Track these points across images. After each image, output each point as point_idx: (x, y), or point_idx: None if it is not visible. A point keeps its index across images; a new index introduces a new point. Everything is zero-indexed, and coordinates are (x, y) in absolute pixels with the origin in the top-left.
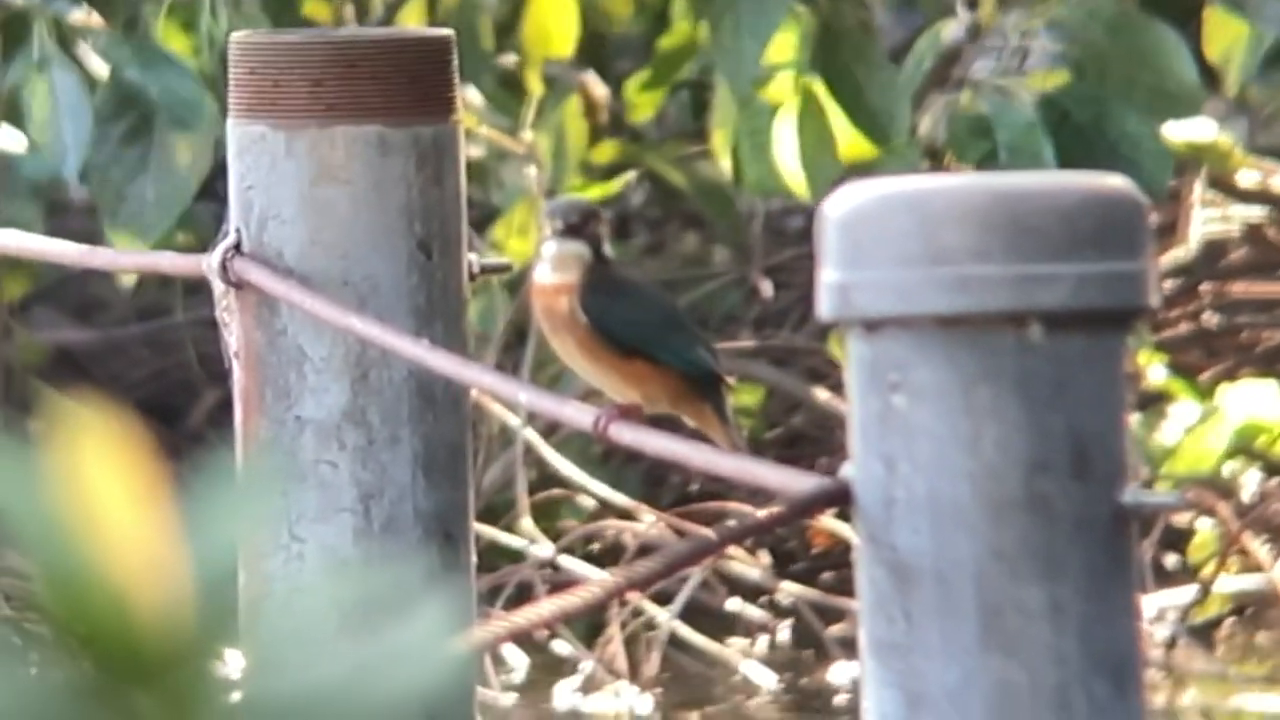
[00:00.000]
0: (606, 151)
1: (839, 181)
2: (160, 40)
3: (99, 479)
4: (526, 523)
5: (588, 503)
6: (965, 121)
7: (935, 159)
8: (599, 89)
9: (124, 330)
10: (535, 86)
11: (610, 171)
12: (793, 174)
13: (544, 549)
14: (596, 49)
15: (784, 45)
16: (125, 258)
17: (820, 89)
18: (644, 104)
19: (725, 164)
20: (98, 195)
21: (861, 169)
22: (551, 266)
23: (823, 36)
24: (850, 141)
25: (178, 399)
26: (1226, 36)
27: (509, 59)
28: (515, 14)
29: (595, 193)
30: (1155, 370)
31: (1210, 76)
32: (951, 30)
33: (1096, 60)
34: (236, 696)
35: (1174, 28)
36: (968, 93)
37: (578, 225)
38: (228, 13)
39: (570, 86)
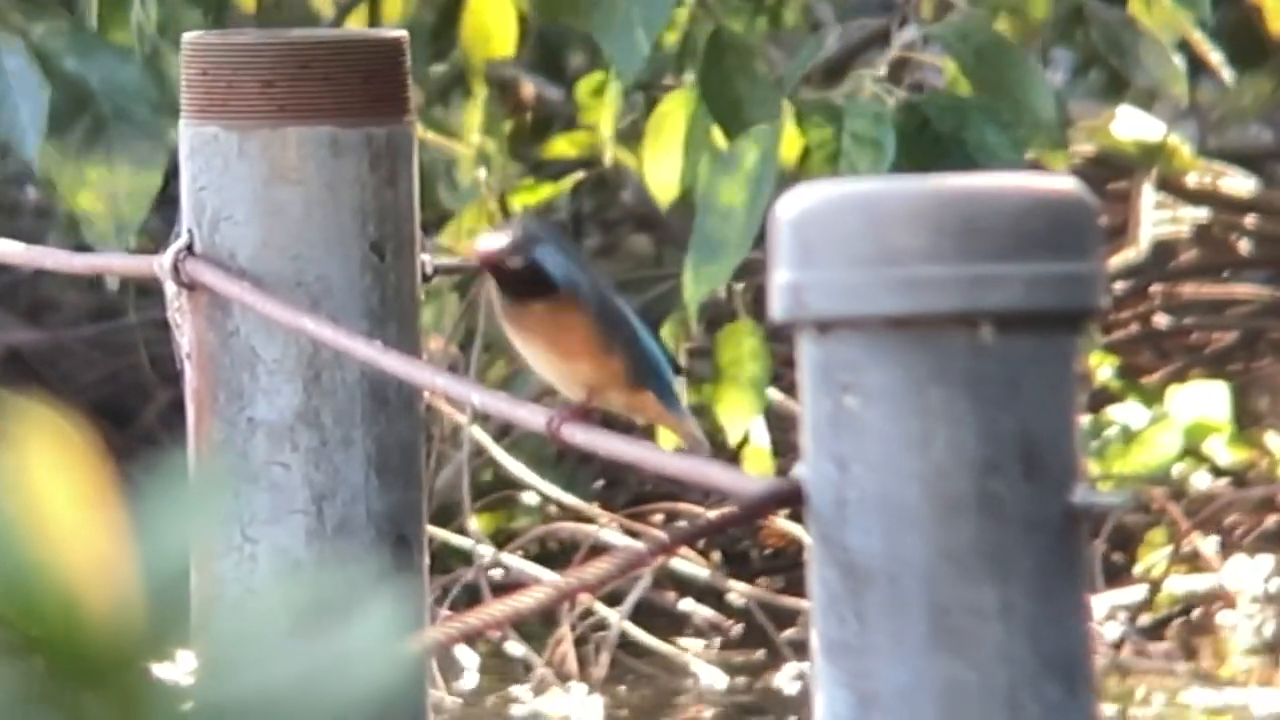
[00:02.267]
0: (563, 146)
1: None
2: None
3: (49, 481)
4: (472, 523)
5: (542, 504)
6: (817, 108)
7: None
8: (529, 87)
9: (75, 332)
10: (479, 88)
11: (565, 169)
12: (655, 175)
13: (490, 550)
14: (547, 46)
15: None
16: (76, 259)
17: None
18: (595, 107)
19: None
20: (67, 197)
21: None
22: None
23: (710, 45)
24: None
25: (129, 401)
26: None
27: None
28: (449, 17)
29: (545, 193)
30: (1105, 371)
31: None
32: (906, 33)
33: (969, 78)
34: (187, 698)
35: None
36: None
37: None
38: (157, 5)
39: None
